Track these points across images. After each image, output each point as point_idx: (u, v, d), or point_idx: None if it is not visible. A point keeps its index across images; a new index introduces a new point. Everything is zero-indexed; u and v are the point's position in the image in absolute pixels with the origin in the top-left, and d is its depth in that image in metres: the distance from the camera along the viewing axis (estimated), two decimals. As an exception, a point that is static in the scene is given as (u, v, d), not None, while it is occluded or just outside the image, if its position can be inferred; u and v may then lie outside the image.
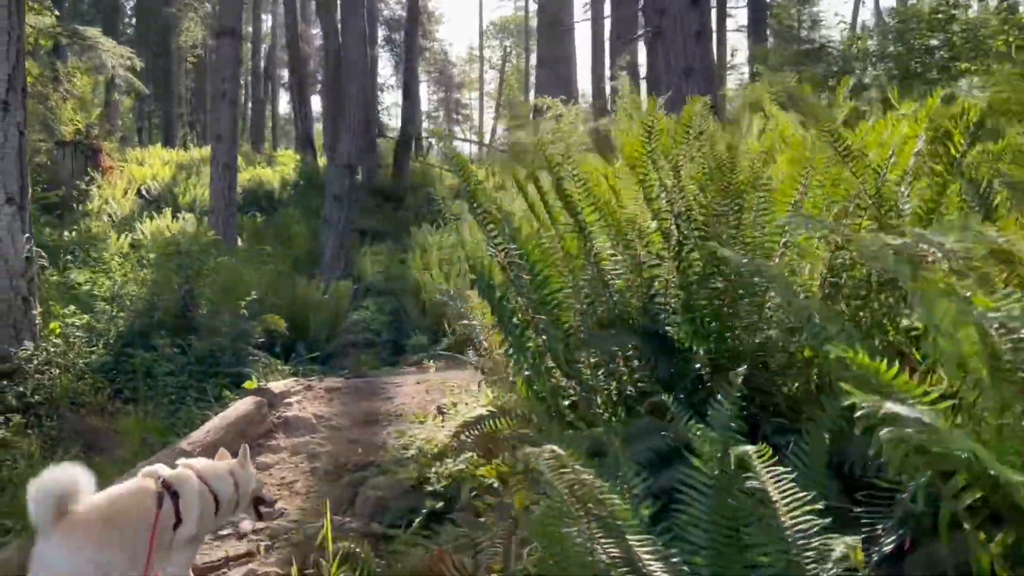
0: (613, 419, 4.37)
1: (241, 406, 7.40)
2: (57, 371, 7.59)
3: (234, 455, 4.62)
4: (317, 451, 7.05)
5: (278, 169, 29.02)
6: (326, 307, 11.27)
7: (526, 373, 4.91)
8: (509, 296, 4.67)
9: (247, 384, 7.97)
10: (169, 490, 3.91)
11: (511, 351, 5.01)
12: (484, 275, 4.68)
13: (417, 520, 4.72)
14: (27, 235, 7.97)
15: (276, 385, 8.24)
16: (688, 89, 11.26)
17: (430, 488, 5.03)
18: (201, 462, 4.35)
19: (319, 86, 37.82)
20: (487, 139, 44.42)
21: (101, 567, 3.44)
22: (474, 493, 4.83)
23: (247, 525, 5.61)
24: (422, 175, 31.24)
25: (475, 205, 4.71)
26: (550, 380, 4.71)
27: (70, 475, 3.51)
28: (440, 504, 4.82)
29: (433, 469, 5.25)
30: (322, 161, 30.64)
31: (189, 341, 8.48)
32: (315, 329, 11.03)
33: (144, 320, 8.53)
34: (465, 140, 42.33)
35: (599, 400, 4.65)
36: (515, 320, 4.71)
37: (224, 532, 5.60)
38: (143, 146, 33.05)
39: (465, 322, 13.65)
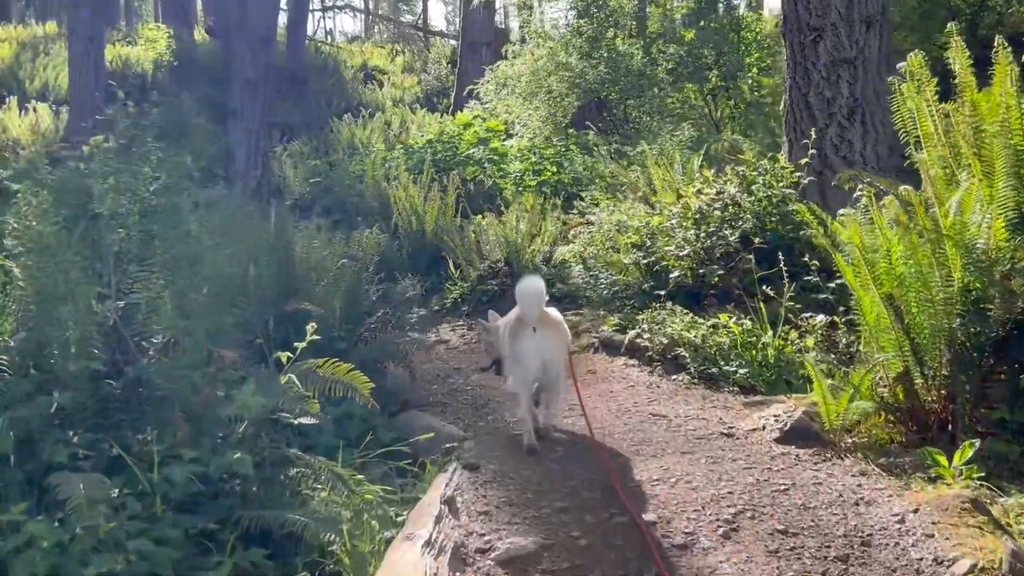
0: None
1: None
2: None
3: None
4: None
5: (146, 47, 21.97)
6: (346, 272, 5.77)
7: None
8: None
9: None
10: None
11: None
12: None
13: None
14: None
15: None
16: None
17: None
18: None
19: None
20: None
21: (564, 356, 4.56)
22: None
23: None
24: (315, 56, 24.75)
25: None
26: None
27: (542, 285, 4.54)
28: None
29: None
30: (200, 35, 23.69)
31: (141, 454, 2.95)
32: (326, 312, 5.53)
33: (25, 409, 2.98)
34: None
35: None
36: None
37: None
38: (-31, 21, 25.02)
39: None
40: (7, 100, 16.36)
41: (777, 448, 4.13)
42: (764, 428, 4.38)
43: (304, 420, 3.31)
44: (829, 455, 3.99)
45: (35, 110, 16.27)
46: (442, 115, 18.92)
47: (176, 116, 16.29)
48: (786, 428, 4.26)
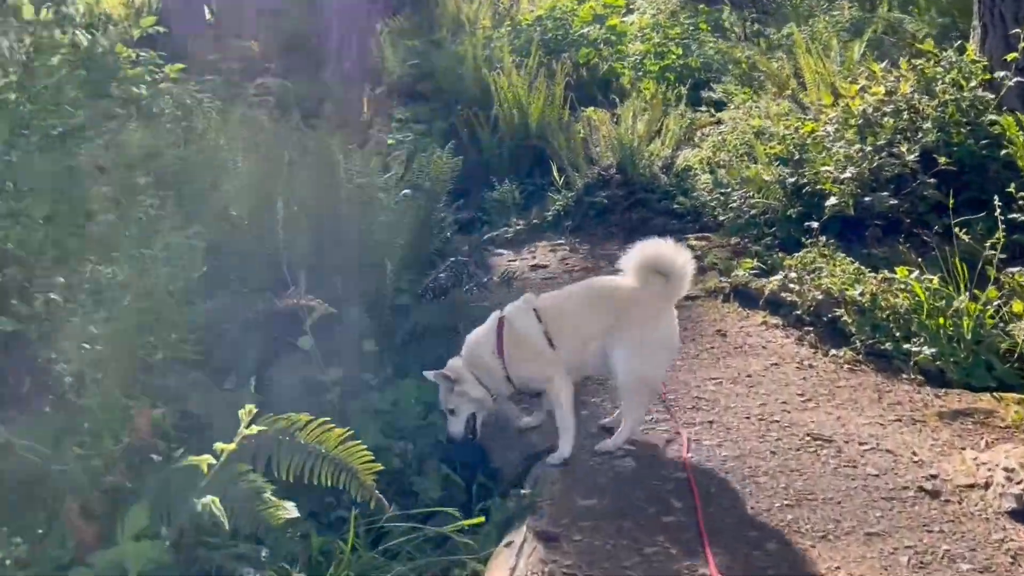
0: None
1: None
2: None
3: None
4: None
5: (249, -87, 20.44)
6: (400, 217, 4.35)
7: None
8: None
9: None
10: None
11: None
12: None
13: None
14: None
15: None
16: None
17: None
18: None
19: None
20: None
21: None
22: None
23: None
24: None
25: None
26: None
27: None
28: None
29: None
30: (304, -99, 21.99)
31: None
32: (369, 271, 4.19)
33: None
34: None
35: None
36: None
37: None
38: None
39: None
40: (102, -29, 15.32)
41: (1015, 531, 2.68)
42: (987, 486, 2.92)
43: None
44: (1104, 556, 2.53)
45: (128, -20, 15.21)
46: (558, -15, 16.96)
47: (270, -11, 14.99)
48: (1025, 495, 2.79)
